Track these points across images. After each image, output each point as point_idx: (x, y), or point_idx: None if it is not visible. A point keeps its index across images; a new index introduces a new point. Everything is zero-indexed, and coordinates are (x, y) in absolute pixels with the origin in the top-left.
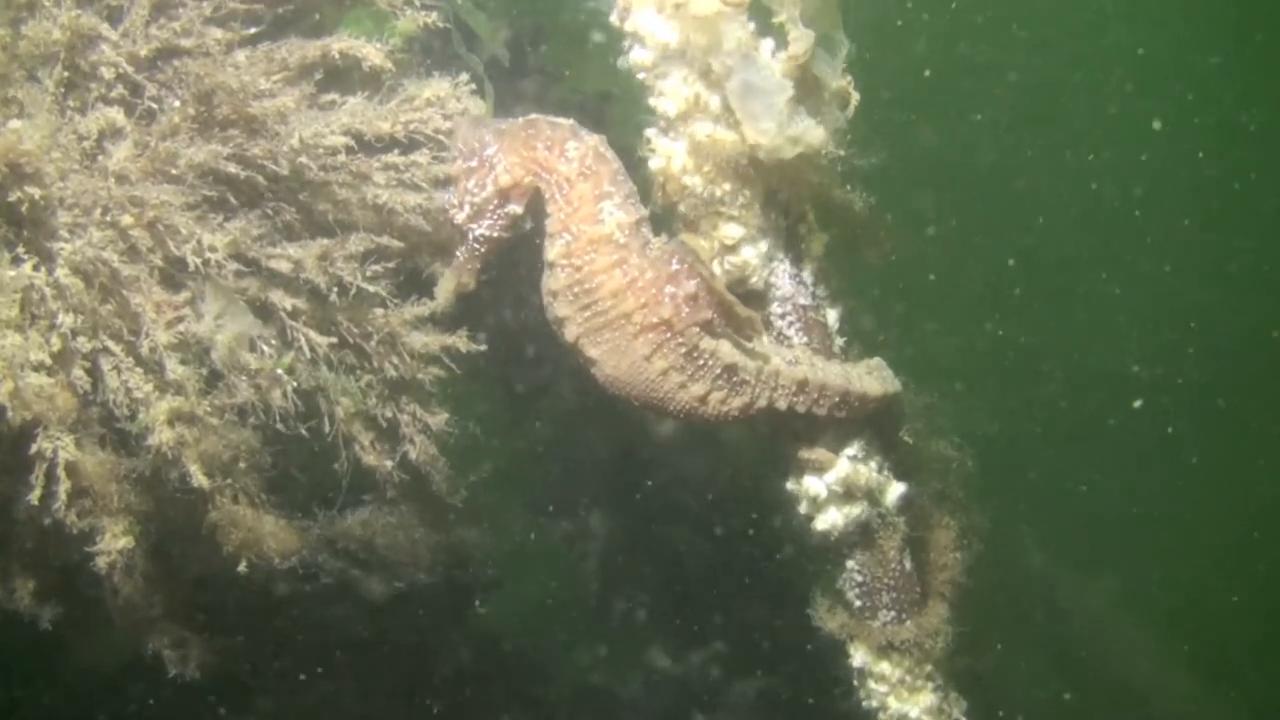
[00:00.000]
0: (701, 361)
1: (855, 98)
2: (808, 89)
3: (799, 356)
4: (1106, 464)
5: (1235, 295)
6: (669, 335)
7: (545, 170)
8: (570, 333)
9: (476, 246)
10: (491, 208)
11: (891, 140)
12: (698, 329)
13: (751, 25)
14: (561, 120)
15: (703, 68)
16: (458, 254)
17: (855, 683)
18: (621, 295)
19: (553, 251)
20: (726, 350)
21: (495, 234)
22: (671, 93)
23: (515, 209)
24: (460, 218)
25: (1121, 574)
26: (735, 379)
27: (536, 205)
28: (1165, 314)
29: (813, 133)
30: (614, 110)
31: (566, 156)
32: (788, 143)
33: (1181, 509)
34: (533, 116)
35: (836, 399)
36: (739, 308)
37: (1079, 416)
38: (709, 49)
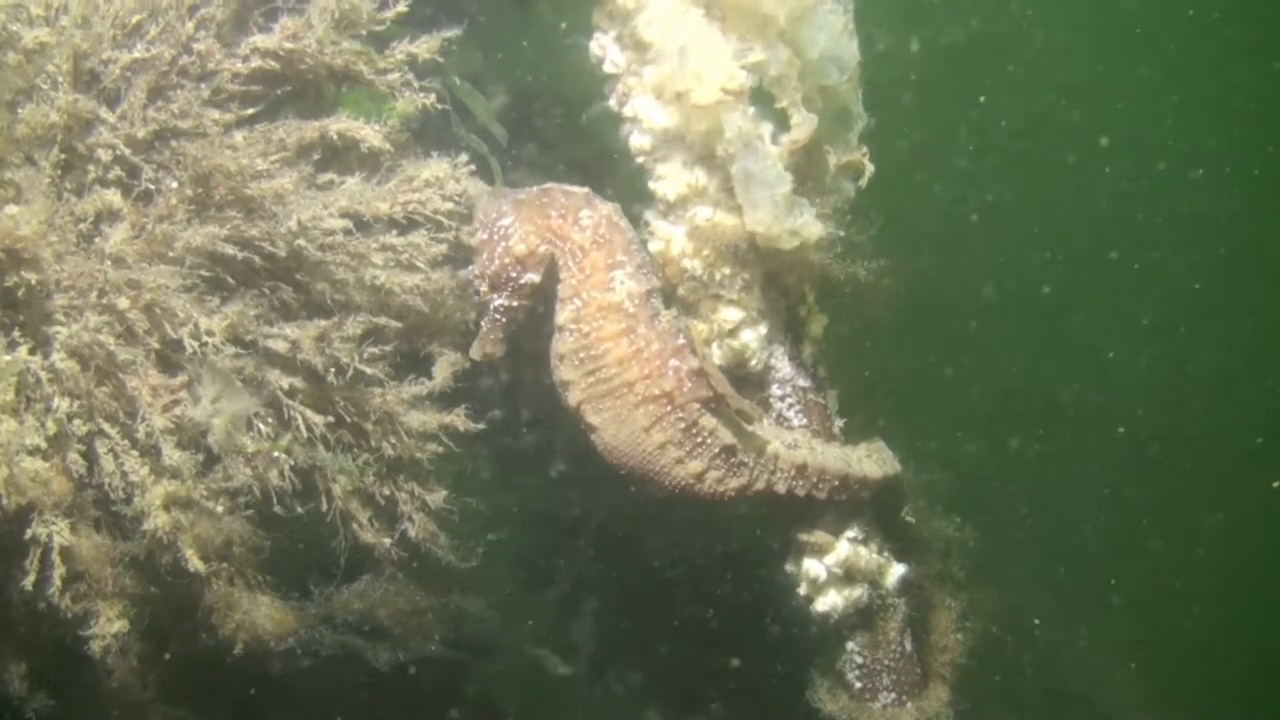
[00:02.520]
0: (700, 439)
1: (869, 169)
2: (812, 167)
3: (798, 440)
4: (1102, 513)
5: (1243, 347)
6: (669, 408)
7: (559, 238)
8: (573, 398)
9: (498, 317)
10: (508, 277)
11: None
12: (699, 405)
13: (752, 110)
14: (576, 189)
15: (704, 152)
16: (482, 325)
17: None
18: (626, 364)
19: (562, 316)
20: (726, 432)
21: (515, 303)
22: (670, 177)
23: (533, 277)
24: (482, 289)
25: (1115, 625)
26: (734, 460)
27: (551, 273)
28: (1170, 368)
29: (810, 228)
30: (612, 177)
31: (580, 224)
32: (786, 234)
33: (1179, 560)
34: (548, 185)
35: (836, 482)
36: (734, 399)
37: (1076, 464)
38: (711, 136)
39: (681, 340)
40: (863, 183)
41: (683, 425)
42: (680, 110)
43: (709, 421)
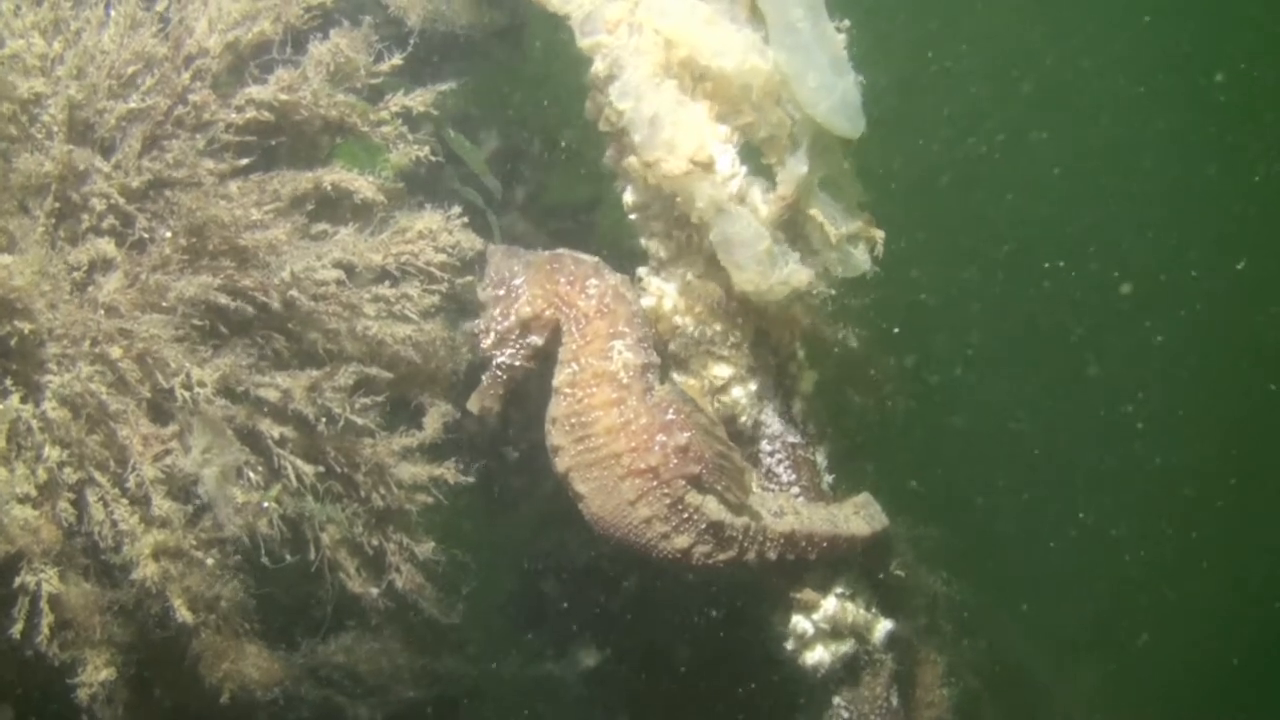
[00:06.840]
0: (686, 515)
1: (880, 235)
2: (801, 229)
3: (784, 506)
4: (1092, 562)
5: (1235, 396)
6: (655, 483)
7: (565, 304)
8: (562, 463)
9: (498, 374)
10: (514, 337)
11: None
12: (684, 482)
13: (744, 169)
14: (586, 257)
15: (679, 217)
16: (483, 379)
17: None
18: (614, 434)
19: (559, 378)
20: (713, 507)
21: (517, 363)
22: (662, 234)
23: (536, 340)
24: (486, 344)
25: (1104, 665)
26: (722, 535)
27: (555, 338)
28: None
29: (798, 276)
30: (603, 217)
31: (587, 293)
32: (776, 286)
33: (1170, 608)
34: (560, 251)
35: (825, 544)
36: (736, 457)
37: (1066, 514)
38: (686, 203)
39: (671, 416)
40: (878, 250)
41: (668, 501)
42: (654, 179)
43: (695, 498)
